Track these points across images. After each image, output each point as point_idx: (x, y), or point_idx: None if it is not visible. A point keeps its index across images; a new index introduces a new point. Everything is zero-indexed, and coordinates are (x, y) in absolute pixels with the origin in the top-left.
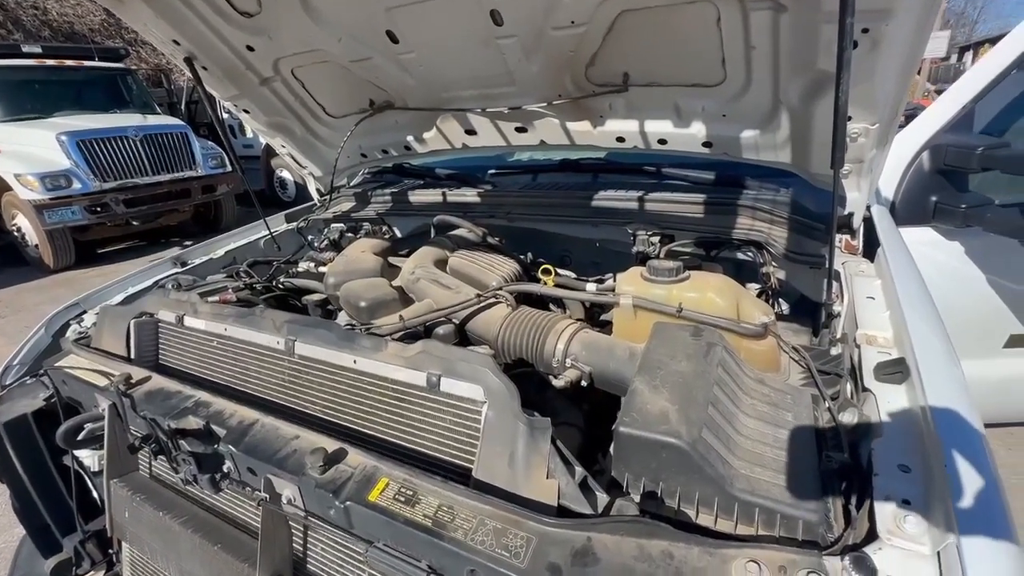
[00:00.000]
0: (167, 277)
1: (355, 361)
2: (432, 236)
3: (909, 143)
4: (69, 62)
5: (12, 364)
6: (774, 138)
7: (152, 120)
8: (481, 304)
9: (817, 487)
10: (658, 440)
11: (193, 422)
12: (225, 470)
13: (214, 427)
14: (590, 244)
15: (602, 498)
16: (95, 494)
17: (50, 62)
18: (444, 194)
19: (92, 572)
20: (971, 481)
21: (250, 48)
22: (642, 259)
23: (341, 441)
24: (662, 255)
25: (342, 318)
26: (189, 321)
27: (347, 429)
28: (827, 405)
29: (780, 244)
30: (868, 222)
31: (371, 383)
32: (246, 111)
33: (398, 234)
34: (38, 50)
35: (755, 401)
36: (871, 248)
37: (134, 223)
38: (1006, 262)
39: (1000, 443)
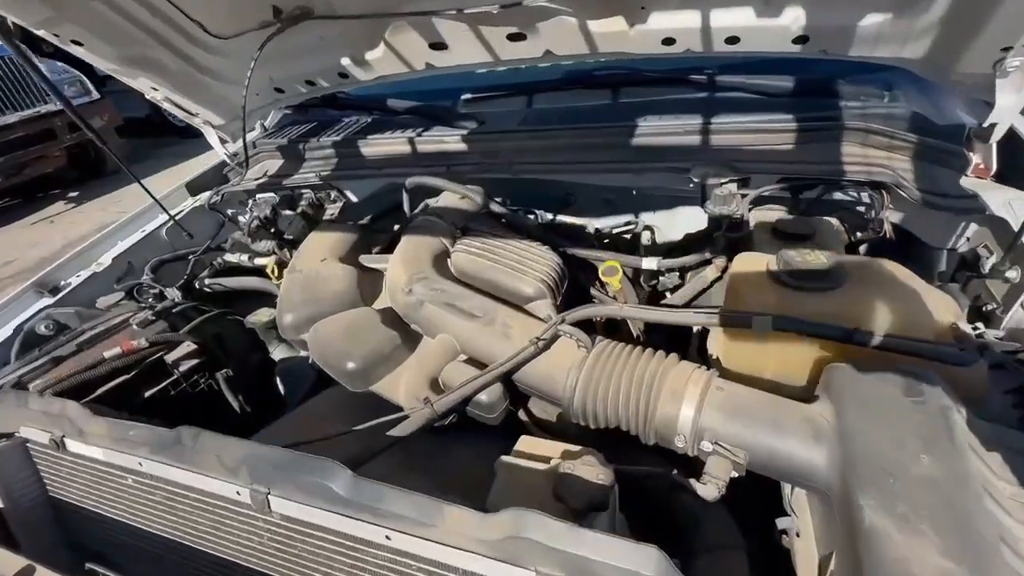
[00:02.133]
0: (34, 318)
1: (388, 537)
2: (408, 210)
3: None
4: None
5: None
6: (911, 24)
7: None
8: (539, 349)
9: None
10: None
11: None
12: None
13: None
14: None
15: None
16: None
17: None
18: (411, 140)
19: None
20: None
21: None
22: (729, 226)
23: None
24: (746, 215)
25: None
26: (75, 447)
27: None
28: None
29: (911, 183)
30: (1013, 138)
31: (422, 570)
32: (77, 43)
33: (353, 199)
34: None
35: (1006, 484)
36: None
37: None
38: None
39: None
